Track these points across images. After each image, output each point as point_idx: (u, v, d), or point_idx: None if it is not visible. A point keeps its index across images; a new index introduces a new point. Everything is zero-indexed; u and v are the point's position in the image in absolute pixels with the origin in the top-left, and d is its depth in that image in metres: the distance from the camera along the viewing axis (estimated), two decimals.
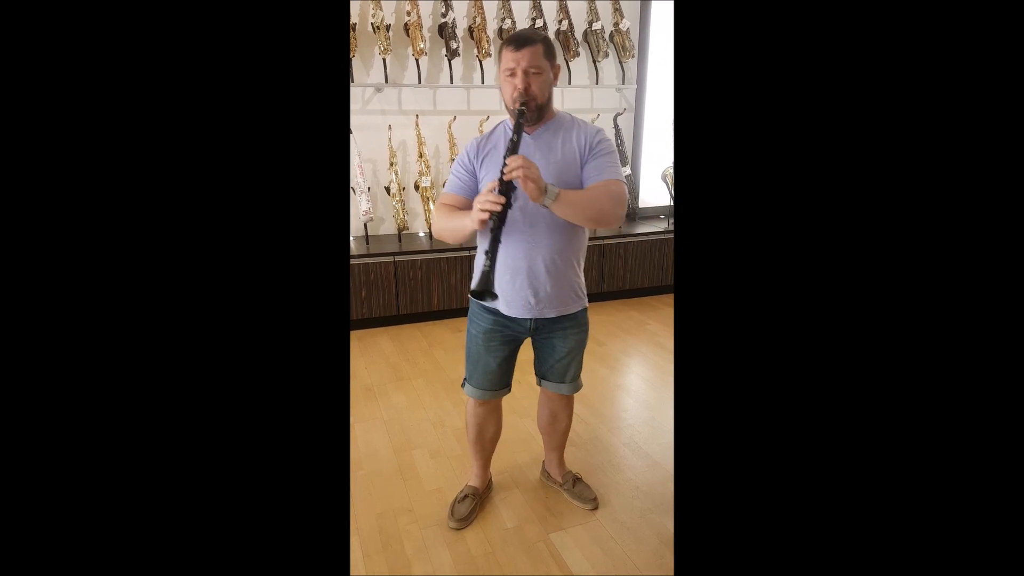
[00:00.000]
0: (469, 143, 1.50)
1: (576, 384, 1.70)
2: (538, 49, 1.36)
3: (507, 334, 1.58)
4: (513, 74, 1.36)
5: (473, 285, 1.26)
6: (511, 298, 1.49)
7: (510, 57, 1.36)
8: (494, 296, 1.25)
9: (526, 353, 1.68)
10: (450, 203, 1.46)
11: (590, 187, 1.40)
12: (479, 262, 1.51)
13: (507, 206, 1.25)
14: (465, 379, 1.69)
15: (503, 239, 1.38)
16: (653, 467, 2.04)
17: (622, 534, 1.71)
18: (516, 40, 1.36)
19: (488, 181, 1.40)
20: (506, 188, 1.26)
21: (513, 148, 1.30)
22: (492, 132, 1.50)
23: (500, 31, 3.42)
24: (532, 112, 1.38)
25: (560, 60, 3.46)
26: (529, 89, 1.36)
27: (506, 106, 1.43)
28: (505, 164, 1.25)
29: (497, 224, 1.25)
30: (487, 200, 1.24)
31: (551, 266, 1.46)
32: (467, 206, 1.42)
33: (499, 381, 1.66)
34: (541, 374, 1.71)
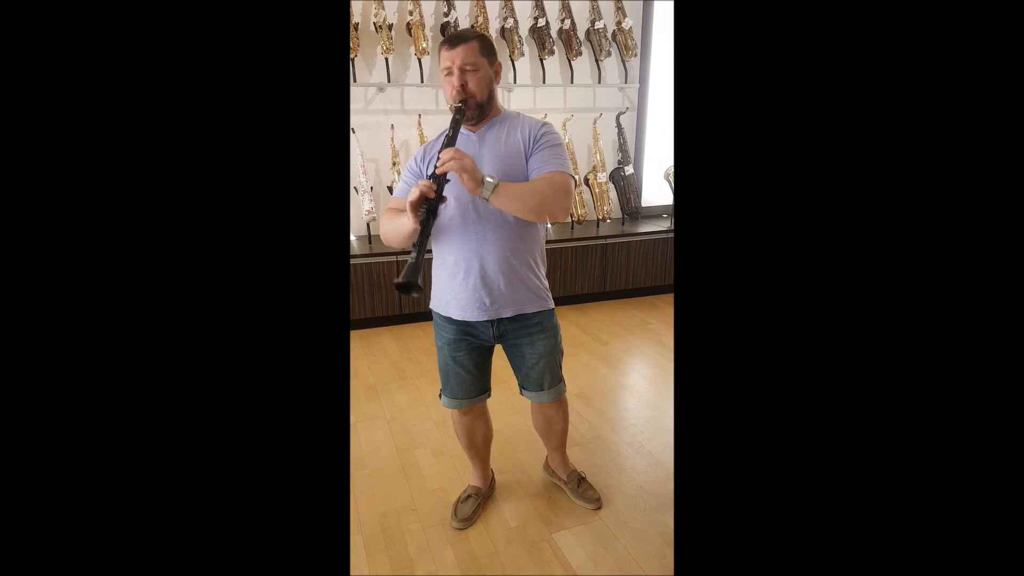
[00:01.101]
0: (420, 148, 1.52)
1: (556, 390, 1.66)
2: (473, 46, 1.37)
3: (472, 343, 1.56)
4: (450, 72, 1.37)
5: (398, 278, 1.18)
6: (465, 301, 1.46)
7: (446, 56, 1.37)
8: (419, 289, 1.18)
9: None
10: (395, 207, 1.46)
11: (532, 180, 1.38)
12: (437, 267, 1.52)
13: (438, 198, 1.25)
14: (440, 391, 1.68)
15: (449, 238, 1.42)
16: (656, 466, 2.03)
17: (625, 533, 1.71)
18: (451, 39, 1.38)
19: None
20: (439, 181, 1.26)
21: (448, 143, 1.31)
22: (440, 135, 1.47)
23: (502, 30, 3.41)
24: (471, 110, 1.39)
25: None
26: (466, 86, 1.37)
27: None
28: (438, 158, 1.26)
29: (427, 216, 1.24)
30: (419, 188, 1.24)
31: (503, 264, 1.44)
32: None
33: (475, 388, 1.64)
34: (520, 384, 1.69)
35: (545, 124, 1.46)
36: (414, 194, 1.24)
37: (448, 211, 1.40)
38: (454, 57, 1.36)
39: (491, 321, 1.51)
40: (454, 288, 1.47)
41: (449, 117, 1.37)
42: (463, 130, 1.45)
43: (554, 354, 1.61)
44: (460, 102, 1.37)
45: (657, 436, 2.22)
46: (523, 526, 1.74)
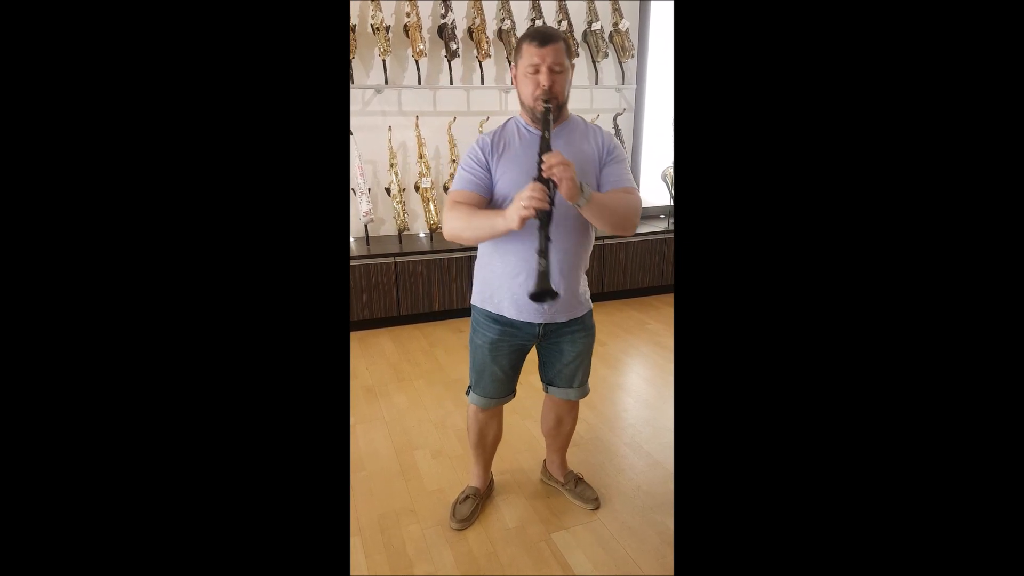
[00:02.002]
0: (479, 139, 1.43)
1: (584, 389, 1.68)
2: (561, 47, 1.33)
3: (514, 343, 1.56)
4: (537, 71, 1.33)
5: (532, 288, 1.22)
6: (524, 302, 1.46)
7: (534, 53, 1.32)
8: (555, 295, 1.22)
9: (529, 354, 1.68)
10: (464, 201, 1.39)
11: (614, 192, 1.39)
12: (493, 266, 1.48)
13: (552, 203, 1.22)
14: (470, 387, 1.67)
15: (520, 240, 1.38)
16: (654, 466, 2.04)
17: (624, 534, 1.71)
18: (540, 36, 1.33)
19: (505, 179, 1.38)
20: (547, 184, 1.23)
21: (546, 145, 1.27)
22: (503, 130, 1.45)
23: (500, 32, 3.42)
24: (555, 111, 1.35)
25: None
26: (553, 87, 1.34)
27: (522, 103, 1.40)
28: (541, 161, 1.22)
29: (545, 221, 1.22)
30: (533, 197, 1.19)
31: (565, 269, 1.45)
32: (481, 204, 1.39)
33: (505, 388, 1.65)
34: (548, 380, 1.68)
35: (613, 136, 1.49)
36: (527, 202, 1.20)
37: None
38: (544, 56, 1.32)
39: (539, 323, 1.51)
40: (512, 288, 1.46)
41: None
42: (533, 132, 1.42)
43: (590, 351, 1.64)
44: (546, 101, 1.33)
45: (655, 436, 2.22)
46: (521, 527, 1.75)
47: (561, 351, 1.59)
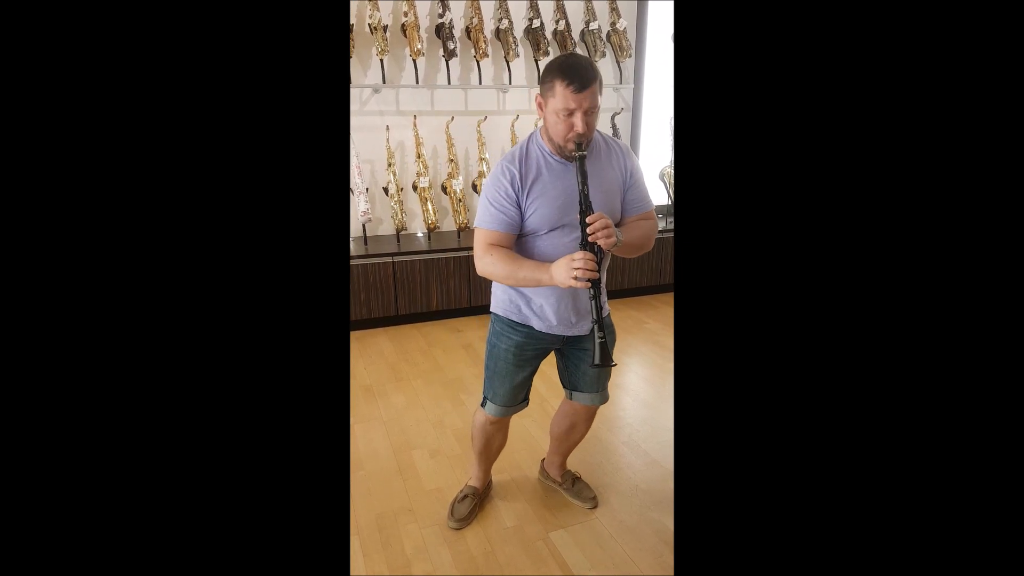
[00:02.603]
0: (503, 169, 1.38)
1: (606, 394, 1.68)
2: (596, 88, 1.28)
3: (539, 347, 1.57)
4: (571, 114, 1.28)
5: (596, 360, 1.29)
6: (554, 318, 1.48)
7: (571, 99, 1.26)
8: (613, 365, 1.35)
9: None
10: (499, 243, 1.38)
11: (637, 225, 1.46)
12: (539, 303, 1.48)
13: (600, 269, 1.29)
14: (486, 398, 1.64)
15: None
16: (652, 465, 2.04)
17: (621, 532, 1.71)
18: (578, 79, 1.25)
19: (537, 214, 1.37)
20: (594, 251, 1.28)
21: (584, 196, 1.29)
22: (526, 157, 1.40)
23: (497, 31, 3.42)
24: (585, 150, 1.32)
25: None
26: (588, 130, 1.29)
27: (549, 137, 1.37)
28: (585, 224, 1.27)
29: (596, 291, 1.27)
30: (584, 269, 1.24)
31: (599, 287, 1.47)
32: (513, 242, 1.41)
33: (521, 395, 1.65)
34: (572, 385, 1.66)
35: (630, 151, 1.50)
36: (580, 274, 1.24)
37: (558, 241, 1.40)
38: (581, 101, 1.26)
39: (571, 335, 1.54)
40: (540, 304, 1.48)
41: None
42: (558, 161, 1.39)
43: (612, 349, 1.63)
44: (579, 147, 1.30)
45: (653, 435, 2.23)
46: (520, 526, 1.75)
47: (586, 351, 1.59)
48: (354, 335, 3.25)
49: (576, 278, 1.24)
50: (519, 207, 1.38)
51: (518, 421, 2.31)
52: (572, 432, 1.78)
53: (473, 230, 1.47)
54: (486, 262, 1.39)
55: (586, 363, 1.61)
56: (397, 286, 3.24)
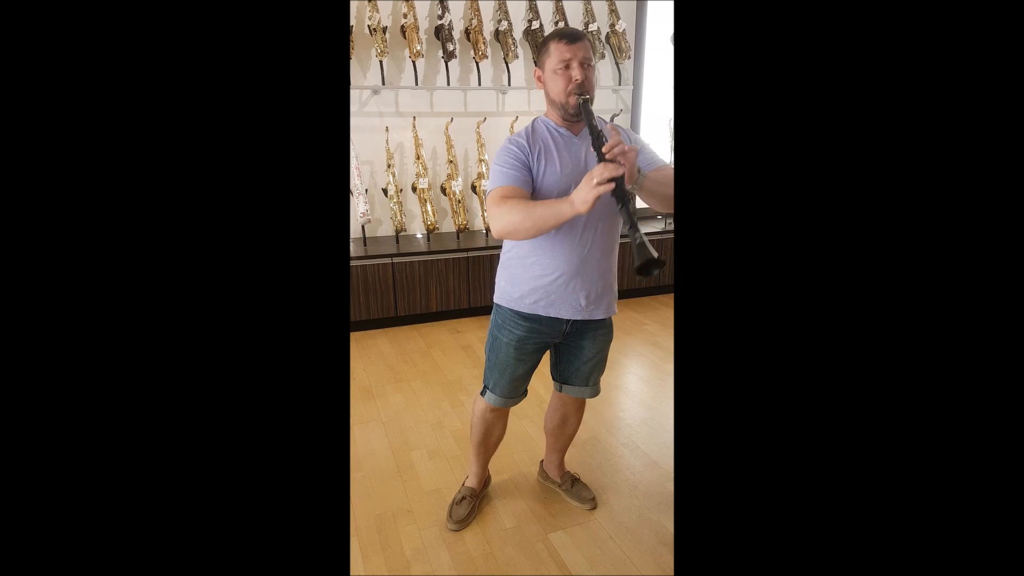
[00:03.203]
0: (512, 140, 1.41)
1: (597, 388, 1.69)
2: (588, 44, 1.37)
3: (540, 340, 1.56)
4: (568, 66, 1.34)
5: (637, 262, 1.11)
6: (560, 300, 1.47)
7: (565, 50, 1.34)
8: (661, 263, 1.11)
9: None
10: (513, 195, 1.33)
11: (658, 170, 1.38)
12: (526, 265, 1.46)
13: (623, 176, 1.18)
14: (487, 387, 1.65)
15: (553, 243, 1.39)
16: (651, 466, 2.04)
17: (620, 533, 1.71)
18: (568, 35, 1.35)
19: (547, 181, 1.38)
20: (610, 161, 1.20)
21: (598, 136, 1.24)
22: (533, 131, 1.43)
23: (496, 33, 3.42)
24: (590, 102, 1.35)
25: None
26: (585, 81, 1.35)
27: (552, 101, 1.39)
28: (598, 149, 1.21)
29: (623, 197, 1.17)
30: (606, 172, 1.15)
31: (603, 267, 1.47)
32: (528, 199, 1.37)
33: (522, 387, 1.65)
34: (563, 378, 1.68)
35: (634, 132, 1.51)
36: (600, 178, 1.15)
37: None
38: (575, 51, 1.34)
39: (572, 319, 1.52)
40: (547, 288, 1.46)
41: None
42: (564, 131, 1.42)
43: (607, 350, 1.66)
44: (580, 95, 1.34)
45: (653, 436, 2.23)
46: (519, 527, 1.75)
47: (581, 348, 1.60)
48: (353, 336, 3.25)
49: (599, 183, 1.15)
50: (529, 169, 1.38)
51: (517, 422, 2.31)
52: (565, 425, 1.79)
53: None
54: (502, 211, 1.30)
55: (580, 359, 1.62)
56: (396, 287, 3.24)
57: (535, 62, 1.45)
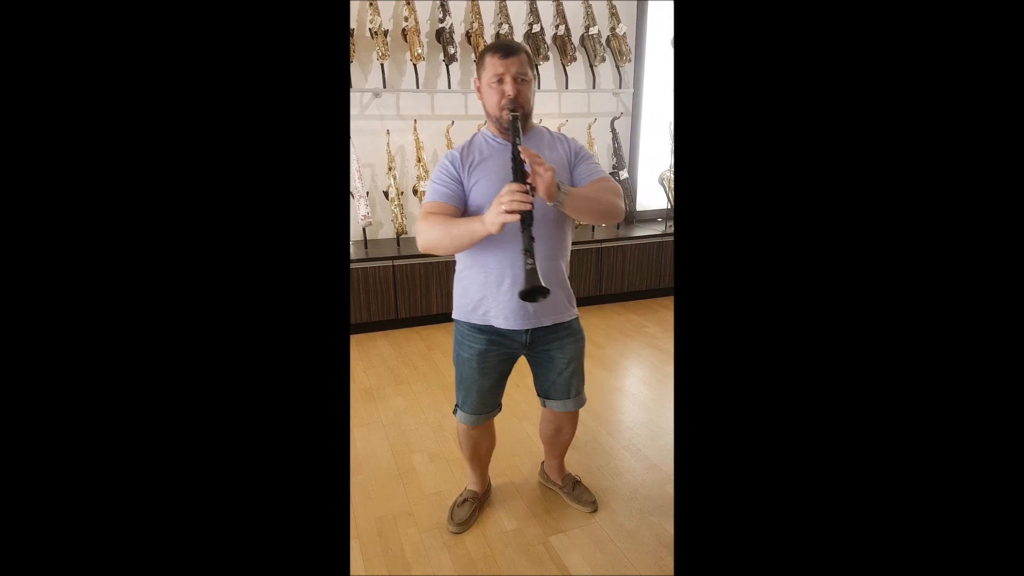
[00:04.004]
0: (448, 154, 1.46)
1: (580, 399, 1.67)
2: (524, 58, 1.38)
3: (502, 352, 1.55)
4: (501, 80, 1.37)
5: (521, 287, 1.19)
6: (509, 309, 1.46)
7: (498, 63, 1.36)
8: (545, 292, 1.18)
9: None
10: (439, 212, 1.39)
11: (591, 184, 1.42)
12: (475, 276, 1.47)
13: (532, 205, 1.21)
14: (457, 406, 1.65)
15: (496, 248, 1.39)
16: (652, 469, 2.04)
17: (621, 536, 1.71)
18: (503, 48, 1.37)
19: (478, 190, 1.40)
20: (523, 181, 1.23)
21: (516, 159, 1.27)
22: (470, 143, 1.47)
23: (498, 36, 3.43)
24: (521, 120, 1.38)
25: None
26: (518, 96, 1.37)
27: (488, 114, 1.43)
28: (516, 164, 1.24)
29: (528, 221, 1.20)
30: (514, 200, 1.19)
31: (547, 271, 1.44)
32: (456, 215, 1.40)
33: (492, 402, 1.65)
34: (544, 393, 1.67)
35: (580, 144, 1.52)
36: (507, 204, 1.19)
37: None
38: (508, 66, 1.36)
39: (526, 329, 1.51)
40: (497, 297, 1.46)
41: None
42: (501, 142, 1.45)
43: (581, 358, 1.63)
44: (513, 110, 1.36)
45: (653, 439, 2.23)
46: (519, 529, 1.75)
47: (552, 359, 1.59)
48: (354, 338, 3.25)
49: (506, 211, 1.19)
50: (461, 184, 1.42)
51: (517, 424, 2.31)
52: (559, 434, 1.79)
53: None
54: (423, 227, 1.37)
55: (553, 371, 1.60)
56: (397, 289, 3.24)
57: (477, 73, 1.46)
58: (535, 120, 1.53)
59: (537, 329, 1.52)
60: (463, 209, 1.42)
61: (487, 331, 1.52)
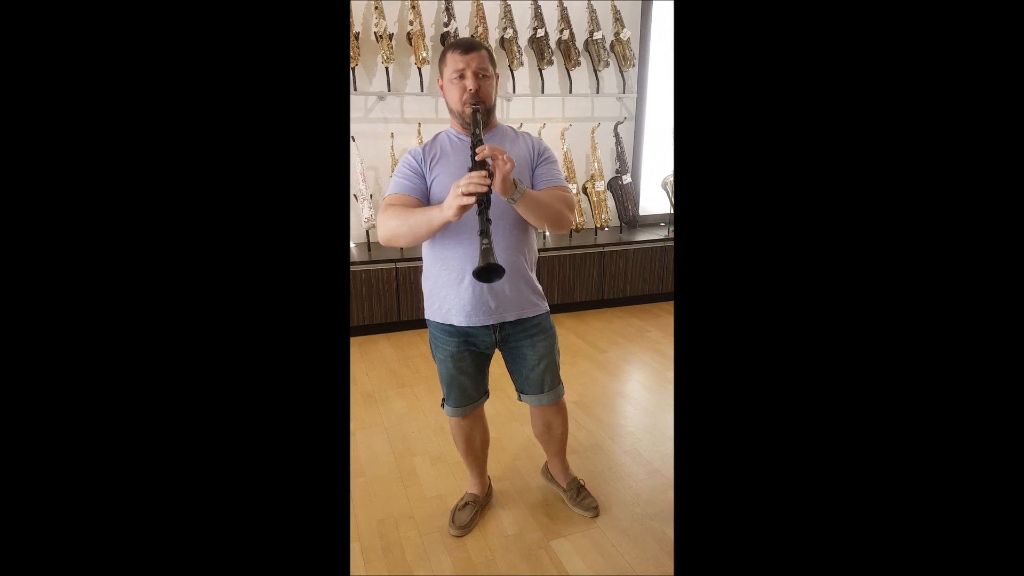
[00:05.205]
0: (411, 151, 1.48)
1: (556, 392, 1.67)
2: (484, 55, 1.41)
3: (474, 351, 1.57)
4: (462, 76, 1.39)
5: (479, 264, 1.15)
6: (470, 306, 1.47)
7: (459, 59, 1.38)
8: (500, 271, 1.16)
9: None
10: (400, 203, 1.39)
11: (546, 190, 1.44)
12: (437, 275, 1.48)
13: (489, 189, 1.20)
14: (443, 400, 1.68)
15: (454, 245, 1.40)
16: (653, 474, 2.04)
17: (622, 541, 1.71)
18: (463, 45, 1.40)
19: (439, 183, 1.41)
20: (484, 167, 1.22)
21: (477, 141, 1.28)
22: (434, 140, 1.49)
23: (502, 40, 3.44)
24: (483, 114, 1.40)
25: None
26: (479, 91, 1.39)
27: (451, 110, 1.45)
28: (475, 153, 1.24)
29: (485, 204, 1.20)
30: (471, 182, 1.18)
31: (507, 266, 1.42)
32: (417, 207, 1.38)
33: (475, 393, 1.66)
34: (520, 389, 1.69)
35: (542, 140, 1.53)
36: (465, 187, 1.18)
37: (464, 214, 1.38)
38: (468, 62, 1.38)
39: (492, 327, 1.52)
40: (458, 294, 1.47)
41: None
42: (463, 138, 1.47)
43: (553, 354, 1.63)
44: (474, 104, 1.38)
45: (655, 444, 2.22)
46: (520, 534, 1.74)
47: (523, 356, 1.60)
48: (356, 341, 3.25)
49: (463, 193, 1.18)
50: (423, 177, 1.44)
51: (518, 428, 2.31)
52: (551, 429, 1.78)
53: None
54: (383, 218, 1.38)
55: (526, 367, 1.61)
56: (400, 292, 3.25)
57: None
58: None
59: (504, 325, 1.52)
60: (425, 202, 1.43)
61: (455, 331, 1.53)
